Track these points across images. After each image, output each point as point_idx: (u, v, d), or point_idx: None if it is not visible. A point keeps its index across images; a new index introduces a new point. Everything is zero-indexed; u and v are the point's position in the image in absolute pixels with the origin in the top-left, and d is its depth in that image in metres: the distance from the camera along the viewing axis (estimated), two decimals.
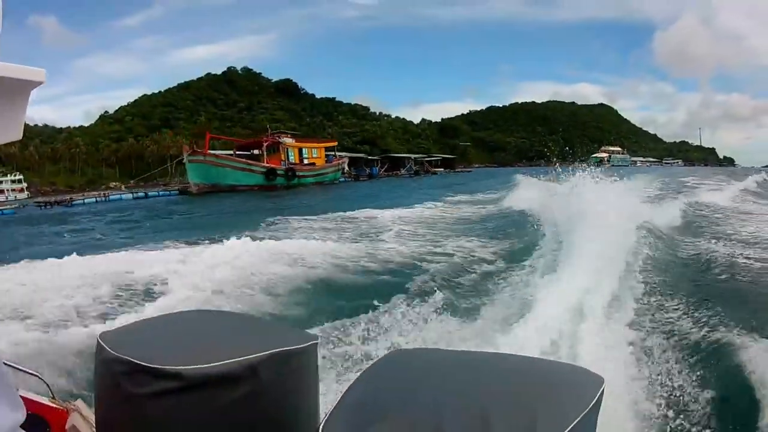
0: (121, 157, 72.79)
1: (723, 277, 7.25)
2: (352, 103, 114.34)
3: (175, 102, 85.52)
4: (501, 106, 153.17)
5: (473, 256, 8.87)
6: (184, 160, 36.21)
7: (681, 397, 3.90)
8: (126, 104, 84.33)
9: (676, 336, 5.16)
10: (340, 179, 47.75)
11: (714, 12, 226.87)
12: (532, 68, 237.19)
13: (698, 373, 4.22)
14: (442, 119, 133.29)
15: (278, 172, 39.27)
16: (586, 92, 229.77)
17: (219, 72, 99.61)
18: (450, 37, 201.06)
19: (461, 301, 6.13)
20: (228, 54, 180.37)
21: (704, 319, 5.54)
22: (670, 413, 3.69)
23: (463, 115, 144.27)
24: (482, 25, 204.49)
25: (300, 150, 43.14)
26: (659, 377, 4.18)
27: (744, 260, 8.10)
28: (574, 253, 7.46)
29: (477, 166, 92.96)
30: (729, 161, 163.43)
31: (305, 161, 42.97)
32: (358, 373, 0.97)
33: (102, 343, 1.05)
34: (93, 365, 1.07)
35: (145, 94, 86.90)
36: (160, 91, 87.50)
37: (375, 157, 62.78)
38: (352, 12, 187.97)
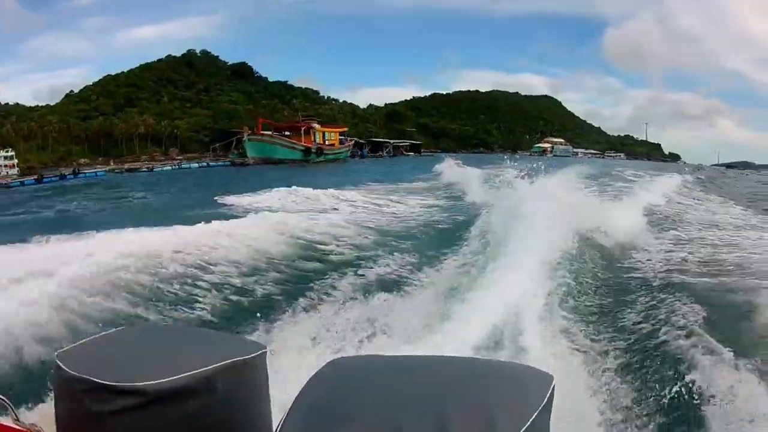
0: (90, 135, 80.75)
1: (660, 277, 8.55)
2: (299, 85, 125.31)
3: (137, 82, 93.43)
4: (445, 93, 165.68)
5: (409, 256, 9.72)
6: (245, 139, 49.25)
7: (626, 390, 4.60)
8: (91, 83, 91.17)
9: (618, 331, 6.13)
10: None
11: (671, 12, 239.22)
12: (476, 57, 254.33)
13: (640, 366, 5.07)
14: (386, 104, 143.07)
15: (312, 150, 53.39)
16: (530, 83, 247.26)
17: (179, 54, 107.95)
18: (395, 23, 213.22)
19: (400, 303, 6.85)
20: (176, 35, 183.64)
21: (642, 316, 6.70)
22: (617, 406, 4.34)
23: (407, 101, 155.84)
24: (428, 12, 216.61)
25: (323, 134, 57.65)
26: (604, 371, 4.94)
27: (681, 260, 9.60)
28: (509, 252, 8.55)
29: (423, 151, 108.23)
30: (674, 157, 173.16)
31: (327, 143, 57.35)
32: (300, 382, 1.07)
33: (60, 363, 1.15)
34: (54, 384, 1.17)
35: (108, 75, 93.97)
36: (123, 72, 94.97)
37: (363, 141, 77.59)
38: None
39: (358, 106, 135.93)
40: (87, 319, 5.67)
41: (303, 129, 57.95)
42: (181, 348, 1.30)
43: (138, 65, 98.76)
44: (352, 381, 1.07)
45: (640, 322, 6.49)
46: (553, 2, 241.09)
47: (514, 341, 5.37)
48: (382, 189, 23.53)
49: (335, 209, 15.79)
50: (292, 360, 4.36)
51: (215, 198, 18.96)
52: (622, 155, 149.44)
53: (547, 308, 6.53)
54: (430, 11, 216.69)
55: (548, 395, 1.00)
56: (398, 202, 18.49)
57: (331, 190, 19.13)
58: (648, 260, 9.73)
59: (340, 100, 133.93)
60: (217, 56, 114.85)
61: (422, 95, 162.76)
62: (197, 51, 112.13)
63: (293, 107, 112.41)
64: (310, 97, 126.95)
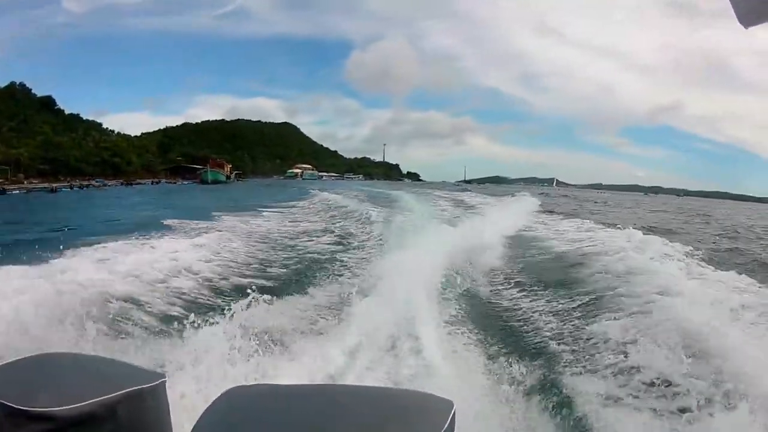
0: None
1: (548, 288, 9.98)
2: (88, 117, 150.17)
3: None
4: (195, 123, 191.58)
5: (304, 275, 11.25)
6: (207, 170, 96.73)
7: (528, 408, 5.09)
8: None
9: (518, 350, 6.70)
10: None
11: (424, 33, 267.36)
12: (211, 81, 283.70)
13: (543, 384, 5.57)
14: (142, 133, 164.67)
15: (229, 176, 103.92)
16: (264, 106, 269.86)
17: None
18: (134, 47, 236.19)
19: (298, 326, 7.40)
20: None
21: (541, 332, 7.48)
22: (520, 426, 4.76)
23: (161, 129, 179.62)
24: (166, 36, 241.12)
25: (227, 167, 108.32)
26: (506, 392, 5.38)
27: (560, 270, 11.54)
28: (387, 273, 9.60)
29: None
30: (414, 176, 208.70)
31: (228, 173, 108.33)
32: (198, 411, 1.20)
33: None
34: None
35: None
36: None
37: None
38: (61, 18, 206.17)
39: (130, 135, 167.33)
40: None
41: (223, 165, 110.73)
42: (86, 375, 1.49)
43: None
44: (249, 412, 1.20)
45: (540, 339, 7.22)
46: (291, 25, 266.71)
47: (409, 367, 5.86)
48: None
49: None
50: (190, 388, 4.58)
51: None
52: (361, 176, 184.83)
53: (441, 331, 7.23)
54: (167, 35, 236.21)
55: (448, 422, 1.11)
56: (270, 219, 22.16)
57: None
58: (525, 275, 11.54)
59: (115, 131, 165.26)
60: (31, 89, 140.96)
61: (173, 124, 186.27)
62: (17, 83, 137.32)
63: (94, 140, 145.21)
64: (97, 128, 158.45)
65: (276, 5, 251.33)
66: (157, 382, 1.50)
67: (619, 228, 18.46)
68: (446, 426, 1.09)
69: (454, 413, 1.13)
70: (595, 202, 57.46)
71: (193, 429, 1.17)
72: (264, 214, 24.55)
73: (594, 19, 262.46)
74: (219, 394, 1.29)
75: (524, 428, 4.76)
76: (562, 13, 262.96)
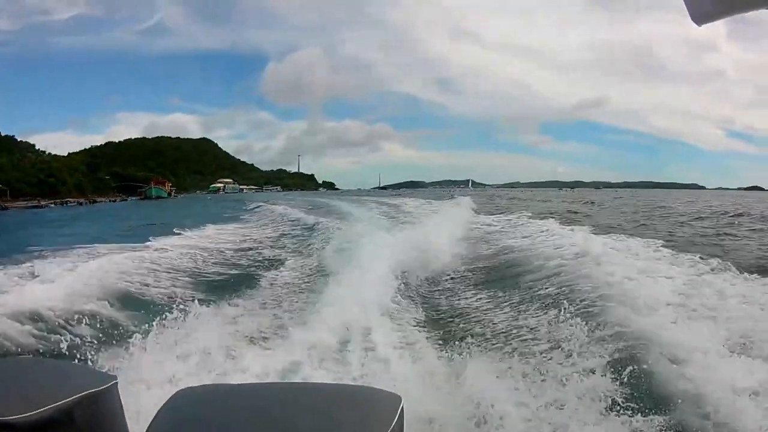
0: None
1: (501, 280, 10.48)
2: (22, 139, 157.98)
3: None
4: (118, 141, 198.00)
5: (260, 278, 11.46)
6: (151, 187, 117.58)
7: (478, 401, 4.81)
8: None
9: (468, 341, 6.63)
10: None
11: (340, 42, 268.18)
12: (130, 99, 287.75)
13: (493, 376, 5.40)
14: (69, 154, 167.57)
15: (170, 193, 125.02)
16: (182, 122, 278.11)
17: None
18: (65, 68, 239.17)
19: (245, 325, 7.47)
20: None
21: (491, 325, 7.69)
22: (471, 419, 4.56)
23: (87, 149, 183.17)
24: (93, 55, 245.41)
25: (168, 185, 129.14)
26: (453, 385, 5.27)
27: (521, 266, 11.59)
28: (347, 271, 9.83)
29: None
30: (329, 185, 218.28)
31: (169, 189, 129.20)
32: (153, 412, 1.17)
33: None
34: None
35: None
36: None
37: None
38: None
39: (58, 155, 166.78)
40: None
41: (165, 183, 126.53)
42: (41, 380, 1.49)
43: None
44: (201, 411, 1.22)
45: (488, 334, 7.32)
46: (208, 40, 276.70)
47: (360, 364, 5.80)
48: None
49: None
50: (143, 389, 4.51)
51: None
52: (279, 188, 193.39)
53: (392, 328, 7.29)
54: (90, 53, 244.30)
55: (397, 416, 1.13)
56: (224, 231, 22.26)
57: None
58: (473, 271, 11.90)
59: (46, 152, 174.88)
60: None
61: (97, 143, 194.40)
62: None
63: (30, 161, 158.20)
64: (32, 150, 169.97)
65: (194, 19, 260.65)
66: (109, 384, 1.53)
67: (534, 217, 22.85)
68: (395, 420, 1.12)
69: (403, 407, 1.17)
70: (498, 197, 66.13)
71: (147, 430, 1.19)
72: (210, 225, 24.83)
73: (513, 19, 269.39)
74: (170, 395, 1.32)
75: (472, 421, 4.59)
76: (479, 16, 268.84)
